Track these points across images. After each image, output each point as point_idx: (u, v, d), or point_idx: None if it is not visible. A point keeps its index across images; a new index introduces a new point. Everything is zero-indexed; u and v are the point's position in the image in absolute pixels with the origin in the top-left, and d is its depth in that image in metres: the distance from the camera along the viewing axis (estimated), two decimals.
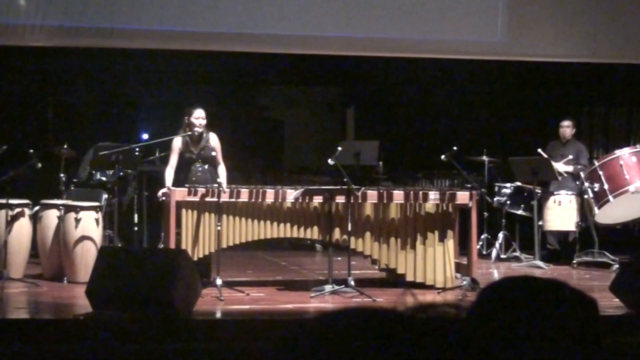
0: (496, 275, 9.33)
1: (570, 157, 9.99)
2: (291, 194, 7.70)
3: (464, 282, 7.65)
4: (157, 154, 9.74)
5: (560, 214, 9.85)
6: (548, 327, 1.18)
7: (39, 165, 8.04)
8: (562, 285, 1.26)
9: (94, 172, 9.16)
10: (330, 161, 7.65)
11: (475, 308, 1.22)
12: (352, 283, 7.41)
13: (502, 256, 10.19)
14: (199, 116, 7.97)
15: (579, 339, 1.19)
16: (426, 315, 1.12)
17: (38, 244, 8.28)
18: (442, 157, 8.00)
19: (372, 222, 7.89)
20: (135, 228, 9.57)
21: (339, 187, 7.72)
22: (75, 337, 5.74)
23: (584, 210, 9.64)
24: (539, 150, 9.90)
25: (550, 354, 1.17)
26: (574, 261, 9.59)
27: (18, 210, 8.07)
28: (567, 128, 10.22)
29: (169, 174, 7.94)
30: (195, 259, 7.45)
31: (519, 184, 10.18)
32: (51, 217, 8.19)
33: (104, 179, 9.22)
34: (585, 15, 10.57)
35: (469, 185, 8.15)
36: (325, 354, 1.07)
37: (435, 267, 7.86)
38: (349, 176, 7.56)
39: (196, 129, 7.95)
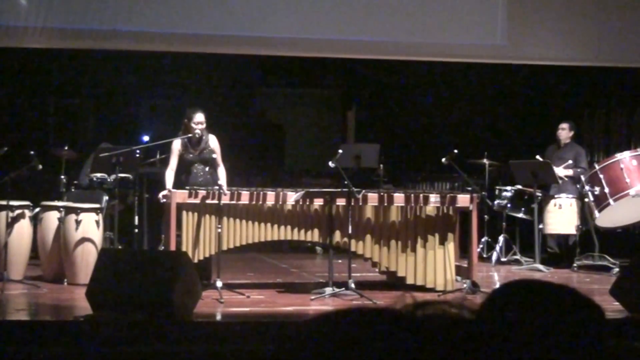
0: (496, 278, 9.32)
1: (570, 161, 9.99)
2: (292, 197, 7.70)
3: (465, 285, 7.65)
4: (157, 156, 9.74)
5: (561, 217, 9.85)
6: (555, 332, 1.18)
7: (40, 166, 8.04)
8: (573, 292, 1.25)
9: (95, 178, 9.14)
10: (330, 164, 7.65)
11: (483, 309, 1.22)
12: (353, 286, 7.40)
13: (503, 259, 10.19)
14: (198, 121, 7.96)
15: (584, 345, 1.18)
16: (425, 313, 1.12)
17: (38, 246, 8.28)
18: (443, 160, 8.00)
19: (373, 224, 7.88)
20: (136, 230, 9.57)
21: (339, 189, 7.72)
22: (75, 339, 5.74)
23: (585, 214, 9.64)
24: (537, 156, 9.89)
25: (556, 357, 1.17)
26: (575, 264, 9.59)
27: (18, 211, 8.08)
28: (562, 130, 10.20)
29: (169, 176, 7.93)
30: (196, 261, 7.45)
31: (519, 187, 10.17)
32: (52, 219, 8.19)
33: (106, 178, 9.19)
34: (585, 18, 10.57)
35: (469, 188, 8.14)
36: (326, 355, 1.07)
37: (435, 270, 7.85)
38: (349, 179, 7.56)
39: (196, 132, 7.95)
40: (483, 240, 10.33)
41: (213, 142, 8.09)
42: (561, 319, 1.20)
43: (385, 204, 7.89)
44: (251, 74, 12.44)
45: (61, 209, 8.17)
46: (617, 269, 9.10)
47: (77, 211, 8.10)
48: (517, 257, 10.07)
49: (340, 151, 7.84)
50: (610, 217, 9.38)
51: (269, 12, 10.00)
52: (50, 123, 12.13)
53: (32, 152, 8.17)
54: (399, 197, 7.92)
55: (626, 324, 6.12)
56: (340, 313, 1.13)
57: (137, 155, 8.94)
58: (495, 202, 10.25)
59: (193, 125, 7.94)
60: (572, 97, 12.33)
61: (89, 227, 8.11)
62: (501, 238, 10.27)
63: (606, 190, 9.21)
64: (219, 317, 6.77)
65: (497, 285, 7.93)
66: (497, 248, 10.24)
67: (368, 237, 7.85)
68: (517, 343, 1.16)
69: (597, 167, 9.49)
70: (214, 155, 8.05)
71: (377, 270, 8.20)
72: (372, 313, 1.12)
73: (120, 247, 8.87)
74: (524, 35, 10.55)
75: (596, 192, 9.25)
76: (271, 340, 5.26)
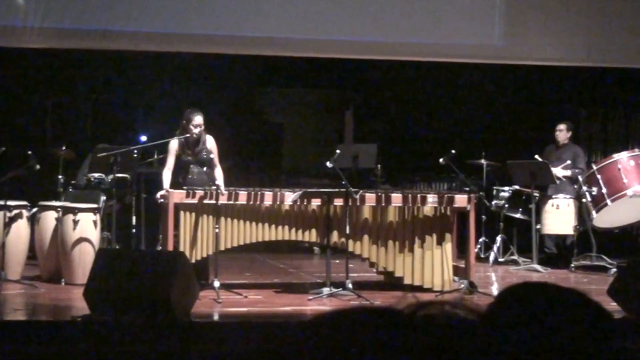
0: (494, 278, 9.33)
1: (568, 161, 9.99)
2: (289, 197, 7.70)
3: (462, 286, 7.66)
4: (155, 156, 9.73)
5: (558, 217, 9.85)
6: (563, 336, 1.18)
7: (38, 166, 8.04)
8: (581, 295, 1.25)
9: (92, 179, 9.13)
10: (328, 164, 7.65)
11: (490, 311, 1.21)
12: (350, 286, 7.41)
13: (500, 259, 10.19)
14: (197, 123, 7.93)
15: (591, 350, 1.18)
16: (427, 313, 1.11)
17: (36, 246, 8.27)
18: (441, 160, 8.00)
19: (370, 224, 7.89)
20: (133, 230, 9.55)
21: (337, 189, 7.72)
22: (73, 339, 5.74)
23: (582, 214, 9.65)
24: (536, 156, 9.89)
25: None
26: (572, 265, 9.59)
27: (16, 211, 8.07)
28: (559, 132, 10.21)
29: (167, 175, 7.93)
30: (193, 261, 7.45)
31: (517, 187, 10.17)
32: (49, 219, 8.19)
33: (103, 178, 9.18)
34: (582, 19, 10.57)
35: (467, 189, 8.15)
36: (327, 355, 1.07)
37: (433, 270, 7.86)
38: (347, 179, 7.56)
39: (193, 133, 7.94)
40: (480, 240, 10.33)
41: (210, 143, 8.08)
42: (569, 322, 1.19)
43: (383, 204, 7.90)
44: (249, 74, 12.43)
45: (59, 209, 8.17)
46: (614, 270, 9.10)
47: (74, 211, 8.10)
48: (515, 257, 10.07)
49: (338, 151, 7.84)
50: (608, 218, 9.39)
51: (268, 12, 9.99)
52: (47, 123, 12.11)
53: (29, 152, 8.17)
54: (396, 198, 7.93)
55: (623, 325, 6.12)
56: (341, 313, 1.13)
57: (135, 155, 8.92)
58: (493, 203, 10.25)
59: (192, 127, 7.92)
60: (569, 98, 12.33)
61: (87, 227, 8.11)
62: (499, 238, 10.27)
63: (604, 190, 9.22)
64: (216, 317, 6.77)
65: (495, 286, 7.91)
66: (495, 248, 10.24)
67: (366, 237, 7.86)
68: (524, 346, 1.16)
69: (594, 167, 9.50)
70: (211, 156, 8.04)
71: (374, 270, 8.21)
72: (374, 313, 1.11)
73: (117, 247, 8.86)
74: (521, 36, 10.55)
75: (594, 193, 9.26)
76: (269, 341, 5.26)
